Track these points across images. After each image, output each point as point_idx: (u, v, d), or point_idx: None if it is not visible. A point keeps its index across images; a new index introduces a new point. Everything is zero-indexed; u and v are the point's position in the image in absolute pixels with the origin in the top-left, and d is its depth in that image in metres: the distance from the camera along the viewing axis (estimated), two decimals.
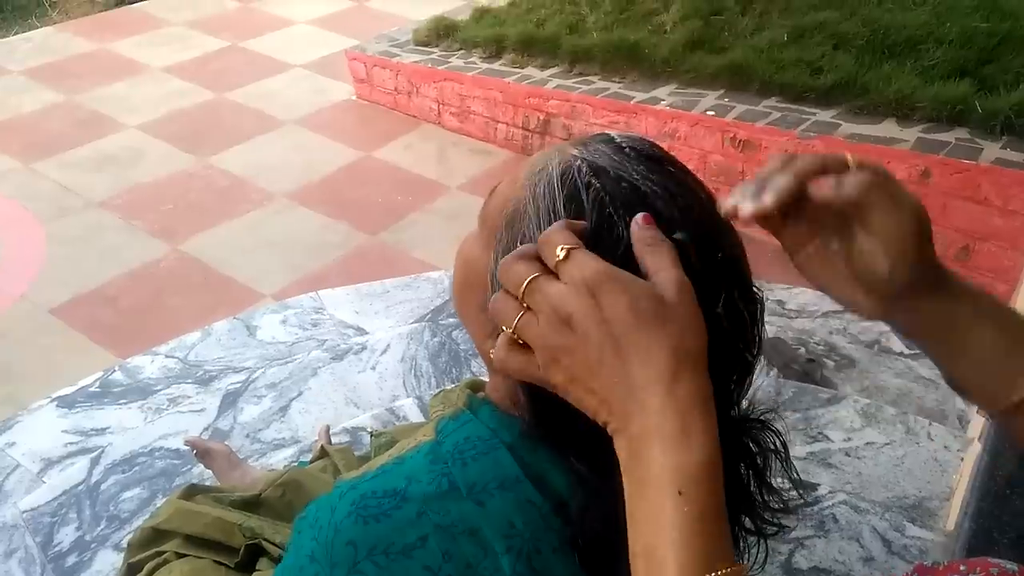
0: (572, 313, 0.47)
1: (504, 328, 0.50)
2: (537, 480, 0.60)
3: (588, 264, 0.48)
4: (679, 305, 0.47)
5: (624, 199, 0.55)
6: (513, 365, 0.51)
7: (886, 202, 0.53)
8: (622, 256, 0.52)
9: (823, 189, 0.54)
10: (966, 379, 0.58)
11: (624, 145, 0.59)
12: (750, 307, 0.59)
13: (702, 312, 0.49)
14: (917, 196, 0.54)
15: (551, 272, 0.49)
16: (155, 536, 1.09)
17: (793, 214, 0.56)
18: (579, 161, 0.58)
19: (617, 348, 0.46)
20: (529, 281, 0.48)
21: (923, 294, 0.56)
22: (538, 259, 0.50)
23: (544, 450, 0.61)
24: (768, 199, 0.53)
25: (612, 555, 0.59)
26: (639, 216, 0.52)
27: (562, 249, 0.48)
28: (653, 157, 0.59)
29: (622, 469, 0.48)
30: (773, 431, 0.67)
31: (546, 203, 0.57)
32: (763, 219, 0.56)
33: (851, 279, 0.57)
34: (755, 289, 0.61)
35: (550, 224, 0.54)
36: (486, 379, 0.73)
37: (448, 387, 0.73)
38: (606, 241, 0.54)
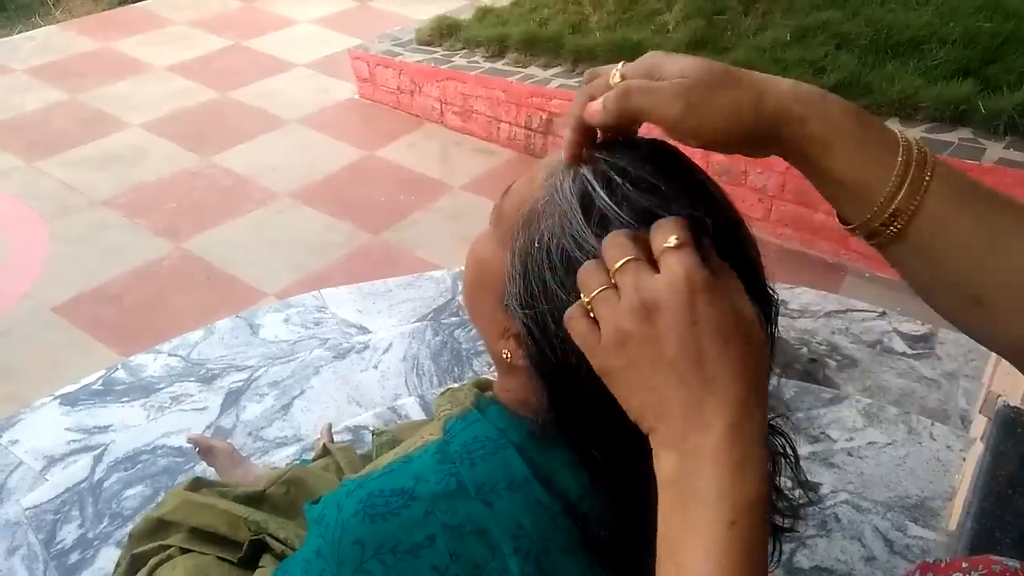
0: (661, 305, 0.44)
1: (582, 296, 0.49)
2: (546, 481, 0.60)
3: (695, 263, 0.45)
4: (762, 335, 0.46)
5: (641, 200, 0.54)
6: (577, 329, 0.49)
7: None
8: None
9: (591, 116, 0.54)
10: (835, 201, 0.54)
11: (641, 145, 0.58)
12: (765, 309, 0.58)
13: None
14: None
15: (652, 262, 0.47)
16: (159, 527, 1.09)
17: None
18: (597, 161, 0.57)
19: (699, 358, 0.44)
20: (627, 260, 0.46)
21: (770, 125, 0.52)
22: (647, 245, 0.48)
23: (554, 451, 0.61)
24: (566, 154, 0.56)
25: (627, 551, 0.60)
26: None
27: (675, 239, 0.46)
28: (670, 158, 0.58)
29: (662, 480, 0.47)
30: (783, 435, 0.67)
31: (563, 204, 0.56)
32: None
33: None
34: (770, 291, 0.60)
35: (566, 226, 0.54)
36: (492, 378, 0.72)
37: (454, 385, 0.73)
38: None
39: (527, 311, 0.57)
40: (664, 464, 0.47)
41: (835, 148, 0.51)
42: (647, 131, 0.59)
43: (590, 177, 0.56)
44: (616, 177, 0.55)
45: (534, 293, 0.56)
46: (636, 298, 0.45)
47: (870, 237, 0.53)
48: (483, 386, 0.71)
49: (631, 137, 0.58)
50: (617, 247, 0.48)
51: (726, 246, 0.53)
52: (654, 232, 0.48)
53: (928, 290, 0.54)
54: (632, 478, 0.57)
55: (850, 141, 0.51)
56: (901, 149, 0.51)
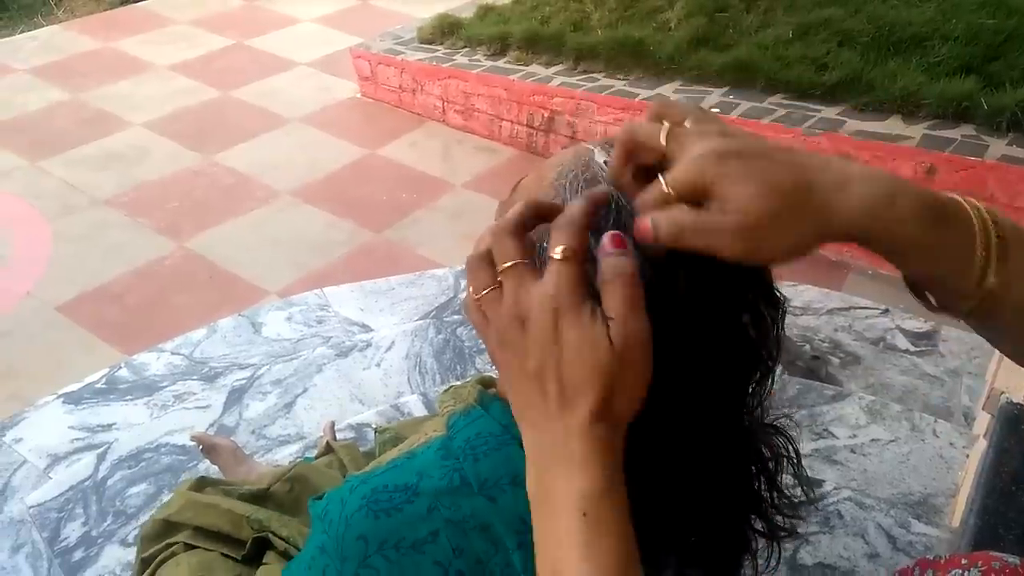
0: (530, 318, 0.46)
1: (471, 290, 0.50)
2: None
3: (568, 282, 0.46)
4: (624, 363, 0.46)
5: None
6: (473, 319, 0.51)
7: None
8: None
9: (644, 234, 0.50)
10: (918, 289, 0.54)
11: None
12: (772, 312, 0.59)
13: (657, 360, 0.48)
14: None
15: (535, 264, 0.48)
16: (166, 528, 1.09)
17: None
18: (602, 162, 0.57)
19: (555, 377, 0.46)
20: (513, 264, 0.48)
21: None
22: (534, 241, 0.49)
23: None
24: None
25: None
26: (607, 237, 0.48)
27: (561, 251, 0.46)
28: None
29: (528, 489, 0.49)
30: (786, 436, 0.67)
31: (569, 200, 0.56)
32: None
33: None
34: (777, 294, 0.60)
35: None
36: (495, 376, 0.73)
37: (457, 383, 0.73)
38: None
39: None
40: (529, 469, 0.49)
41: (909, 258, 0.50)
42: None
43: (590, 179, 0.56)
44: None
45: None
46: (513, 307, 0.47)
47: (969, 317, 0.52)
48: (486, 383, 0.72)
49: None
50: (504, 246, 0.48)
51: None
52: (552, 231, 0.48)
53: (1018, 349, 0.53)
54: (634, 462, 0.57)
55: (922, 250, 0.49)
56: (978, 236, 0.49)
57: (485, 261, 0.49)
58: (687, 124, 0.50)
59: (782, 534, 0.68)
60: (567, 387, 0.46)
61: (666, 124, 0.50)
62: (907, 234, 0.48)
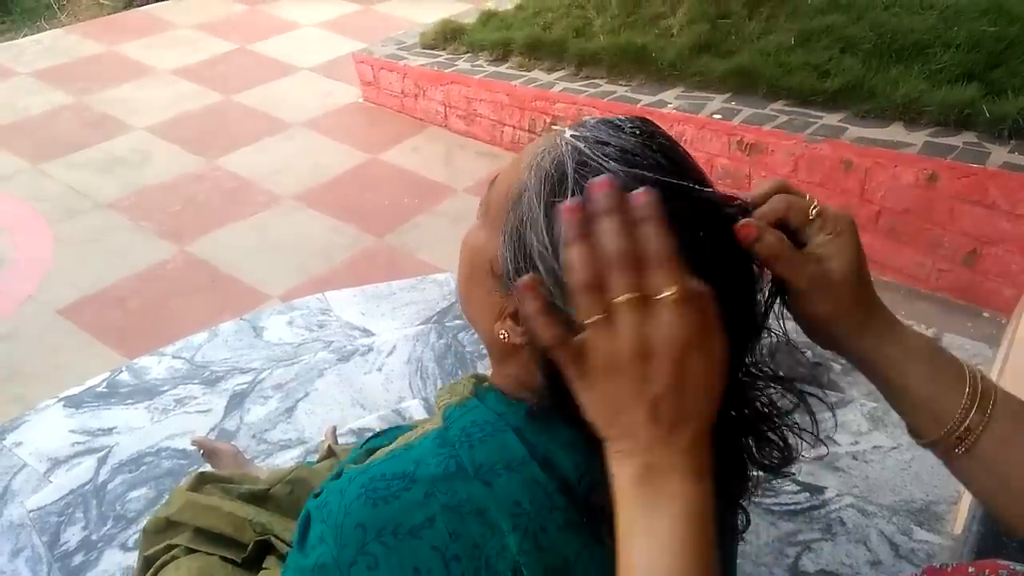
0: (656, 354, 0.48)
1: (579, 317, 0.50)
2: (543, 461, 0.61)
3: (692, 322, 0.48)
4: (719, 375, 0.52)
5: (615, 165, 0.57)
6: (546, 335, 0.50)
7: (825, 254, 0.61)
8: None
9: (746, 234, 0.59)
10: (906, 415, 0.64)
11: (619, 123, 0.61)
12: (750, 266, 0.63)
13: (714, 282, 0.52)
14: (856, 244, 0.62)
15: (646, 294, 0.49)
16: (167, 525, 1.10)
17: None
18: (574, 140, 0.60)
19: (674, 405, 0.49)
20: (629, 298, 0.48)
21: (854, 334, 0.63)
22: (638, 268, 0.48)
23: (551, 432, 0.62)
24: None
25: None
26: (639, 192, 0.50)
27: (672, 289, 0.48)
28: (647, 132, 0.60)
29: (620, 484, 0.51)
30: (794, 391, 0.70)
31: (539, 184, 0.59)
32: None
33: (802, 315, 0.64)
34: (756, 274, 0.63)
35: (543, 205, 0.57)
36: (486, 376, 0.74)
37: (452, 381, 0.75)
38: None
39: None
40: (626, 471, 0.51)
41: (910, 371, 0.63)
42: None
43: (562, 156, 0.59)
44: (587, 154, 0.58)
45: (528, 259, 0.59)
46: (635, 340, 0.48)
47: (941, 451, 0.63)
48: (480, 379, 0.73)
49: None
50: (617, 276, 0.48)
51: (703, 216, 0.57)
52: (653, 266, 0.49)
53: (992, 497, 0.62)
54: None
55: (924, 367, 0.63)
56: (968, 377, 0.62)
57: (593, 289, 0.49)
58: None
59: (773, 466, 0.70)
60: (683, 412, 0.50)
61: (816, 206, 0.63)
62: (912, 348, 0.64)
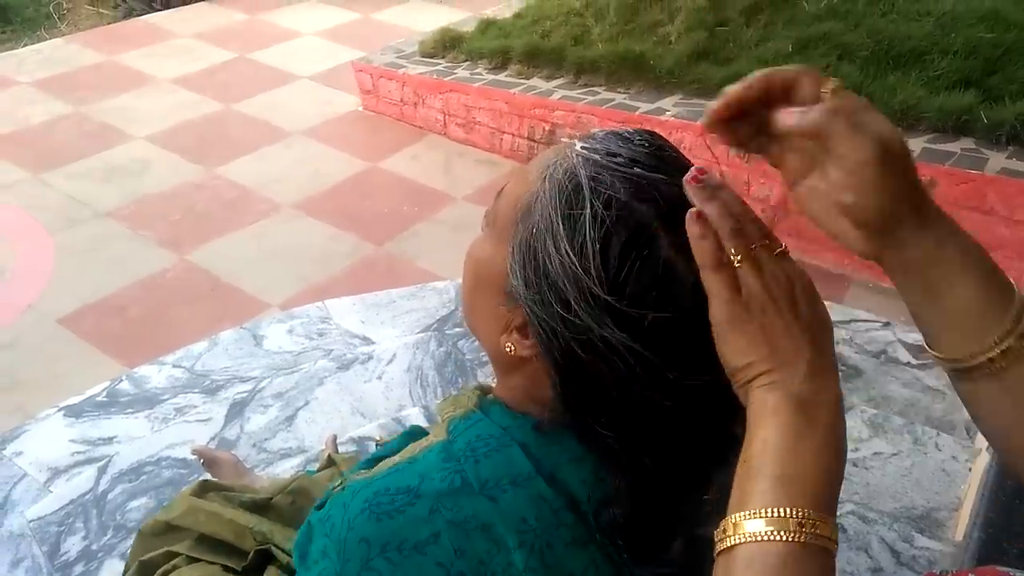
0: (799, 283, 0.54)
1: (732, 253, 0.53)
2: (549, 477, 0.61)
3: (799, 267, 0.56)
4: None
5: (628, 188, 0.57)
6: (717, 281, 0.54)
7: (845, 130, 0.53)
8: None
9: (785, 120, 0.56)
10: (935, 328, 0.58)
11: (627, 135, 0.61)
12: None
13: None
14: (889, 123, 0.55)
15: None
16: (167, 529, 1.09)
17: (784, 143, 0.58)
18: (585, 151, 0.60)
19: (807, 323, 0.54)
20: (767, 245, 0.54)
21: (907, 228, 0.55)
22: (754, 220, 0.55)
23: (557, 446, 0.62)
24: (715, 104, 0.57)
25: (642, 532, 0.61)
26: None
27: (782, 245, 0.55)
28: (655, 145, 0.61)
29: (766, 411, 0.53)
30: None
31: (554, 195, 0.58)
32: (758, 148, 0.59)
33: (837, 212, 0.56)
34: None
35: (560, 216, 0.57)
36: (490, 387, 0.73)
37: (456, 392, 0.74)
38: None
39: (532, 293, 0.59)
40: (781, 401, 0.53)
41: (961, 281, 0.56)
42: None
43: (576, 167, 0.59)
44: (598, 168, 0.58)
45: (538, 273, 0.58)
46: (782, 273, 0.54)
47: (962, 373, 0.57)
48: (485, 390, 0.72)
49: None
50: (754, 227, 0.54)
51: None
52: (765, 232, 0.55)
53: (1010, 430, 0.58)
54: (642, 456, 0.59)
55: (978, 276, 0.56)
56: (1017, 298, 0.56)
57: (738, 235, 0.54)
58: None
59: None
60: (812, 326, 0.54)
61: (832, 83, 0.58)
62: (969, 253, 0.56)
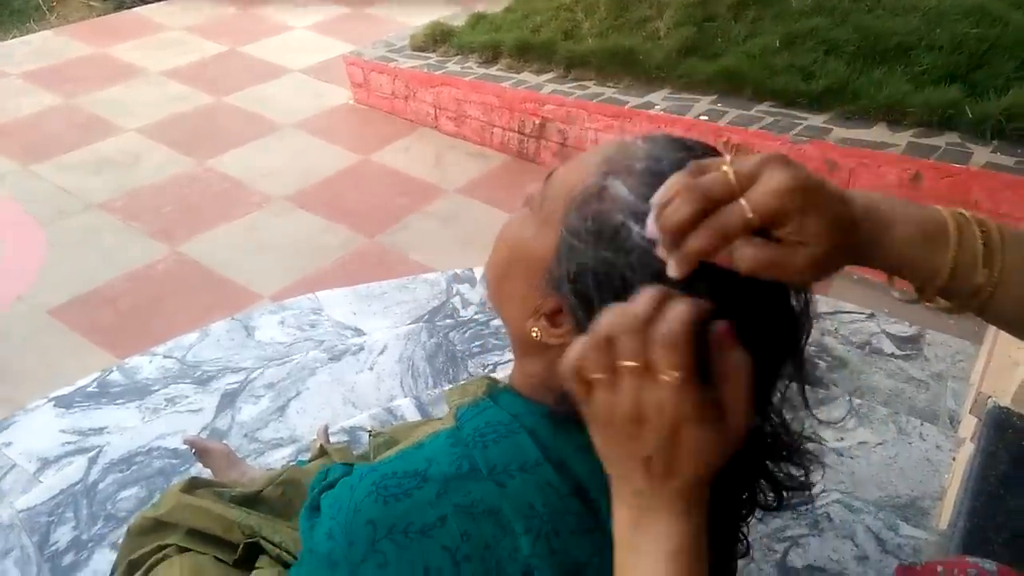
0: (647, 423, 0.48)
1: (583, 371, 0.50)
2: (558, 464, 0.61)
3: (690, 401, 0.47)
4: (732, 445, 0.50)
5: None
6: (572, 383, 0.51)
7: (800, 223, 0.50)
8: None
9: (722, 261, 0.51)
10: (899, 270, 0.58)
11: (688, 144, 0.62)
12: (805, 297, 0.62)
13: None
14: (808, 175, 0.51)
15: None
16: (155, 526, 1.10)
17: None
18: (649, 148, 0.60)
19: (664, 463, 0.49)
20: (638, 367, 0.48)
21: (877, 247, 0.55)
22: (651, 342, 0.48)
23: (567, 435, 0.62)
24: (675, 273, 0.52)
25: None
26: (721, 330, 0.49)
27: (679, 377, 0.47)
28: (709, 154, 0.61)
29: (619, 528, 0.52)
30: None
31: (633, 190, 0.57)
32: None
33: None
34: (795, 311, 0.62)
35: (639, 206, 0.55)
36: (498, 380, 0.73)
37: (463, 381, 0.75)
38: None
39: (577, 286, 0.58)
40: (623, 512, 0.52)
41: (917, 274, 0.56)
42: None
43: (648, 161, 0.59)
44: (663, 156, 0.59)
45: (586, 267, 0.58)
46: (632, 406, 0.48)
47: (972, 302, 0.57)
48: (493, 382, 0.73)
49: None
50: (629, 342, 0.48)
51: None
52: (659, 344, 0.47)
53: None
54: None
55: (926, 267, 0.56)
56: (952, 243, 0.55)
57: (604, 348, 0.49)
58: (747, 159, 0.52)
59: (796, 484, 0.70)
60: (676, 468, 0.49)
61: (729, 167, 0.51)
62: (928, 261, 0.55)
